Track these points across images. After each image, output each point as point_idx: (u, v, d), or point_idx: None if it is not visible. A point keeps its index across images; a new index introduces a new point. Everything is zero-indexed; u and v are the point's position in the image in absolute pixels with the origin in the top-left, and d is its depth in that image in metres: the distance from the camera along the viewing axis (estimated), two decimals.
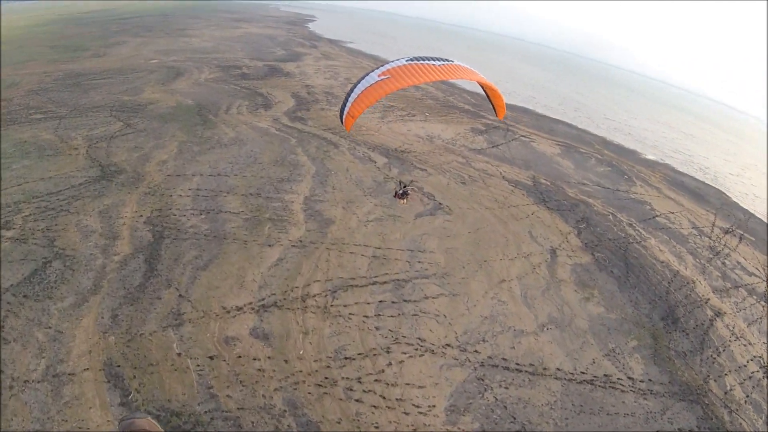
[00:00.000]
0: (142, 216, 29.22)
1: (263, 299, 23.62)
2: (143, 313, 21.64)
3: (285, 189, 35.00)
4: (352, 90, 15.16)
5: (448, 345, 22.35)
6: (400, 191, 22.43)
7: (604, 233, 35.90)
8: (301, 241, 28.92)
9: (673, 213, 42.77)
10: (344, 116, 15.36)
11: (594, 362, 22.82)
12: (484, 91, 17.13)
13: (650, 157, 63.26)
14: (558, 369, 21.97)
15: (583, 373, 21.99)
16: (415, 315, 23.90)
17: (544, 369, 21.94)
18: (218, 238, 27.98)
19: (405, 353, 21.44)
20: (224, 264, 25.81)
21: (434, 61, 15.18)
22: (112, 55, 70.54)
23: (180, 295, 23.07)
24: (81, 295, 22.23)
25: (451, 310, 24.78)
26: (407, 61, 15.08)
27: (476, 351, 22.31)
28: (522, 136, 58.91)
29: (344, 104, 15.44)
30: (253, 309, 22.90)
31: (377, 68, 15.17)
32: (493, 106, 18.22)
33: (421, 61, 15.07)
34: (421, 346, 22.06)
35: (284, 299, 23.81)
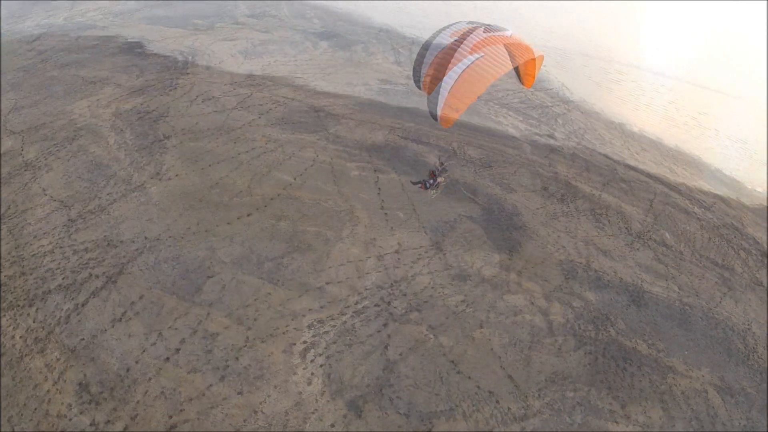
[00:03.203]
0: None
1: None
2: None
3: None
4: (445, 72, 13.25)
5: None
6: (432, 182, 20.45)
7: None
8: None
9: None
10: (440, 109, 13.55)
11: None
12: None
13: None
14: None
15: None
16: None
17: None
18: None
19: None
20: None
21: (503, 31, 14.09)
22: None
23: None
24: None
25: None
26: (485, 32, 13.62)
27: None
28: None
29: (437, 93, 13.48)
30: None
31: (460, 43, 13.44)
32: (521, 74, 17.04)
33: (497, 33, 13.87)
34: None
35: None
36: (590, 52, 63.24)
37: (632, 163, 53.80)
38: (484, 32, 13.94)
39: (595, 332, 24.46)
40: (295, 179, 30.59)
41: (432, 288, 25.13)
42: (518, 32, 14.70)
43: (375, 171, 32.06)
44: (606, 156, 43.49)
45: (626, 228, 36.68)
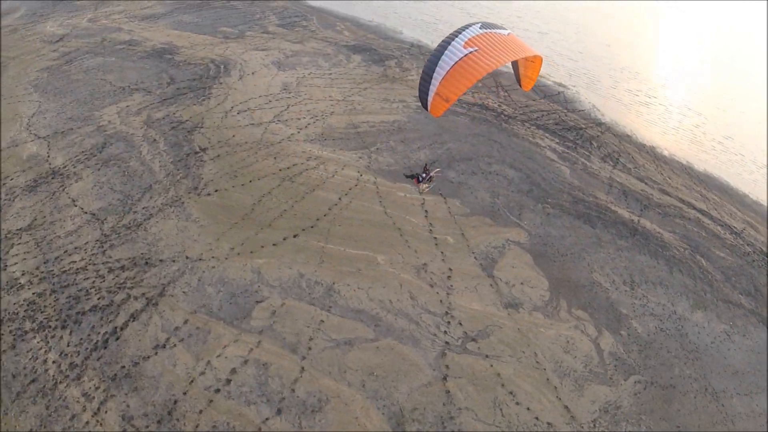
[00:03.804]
0: None
1: None
2: None
3: None
4: (435, 63, 13.94)
5: None
6: (425, 176, 21.09)
7: None
8: None
9: None
10: (431, 97, 14.12)
11: None
12: (518, 60, 16.88)
13: None
14: None
15: None
16: None
17: None
18: None
19: None
20: None
21: (500, 30, 14.61)
22: None
23: None
24: None
25: None
26: (481, 28, 14.20)
27: None
28: None
29: (428, 82, 14.03)
30: None
31: (455, 36, 14.11)
32: (520, 75, 18.04)
33: (493, 30, 14.36)
34: None
35: None
36: (617, 75, 63.30)
37: (666, 188, 53.76)
38: (480, 28, 14.54)
39: (643, 360, 23.95)
40: (340, 199, 29.71)
41: (486, 316, 24.38)
42: (516, 32, 15.69)
43: (421, 193, 31.22)
44: (641, 180, 43.24)
45: (665, 254, 36.09)
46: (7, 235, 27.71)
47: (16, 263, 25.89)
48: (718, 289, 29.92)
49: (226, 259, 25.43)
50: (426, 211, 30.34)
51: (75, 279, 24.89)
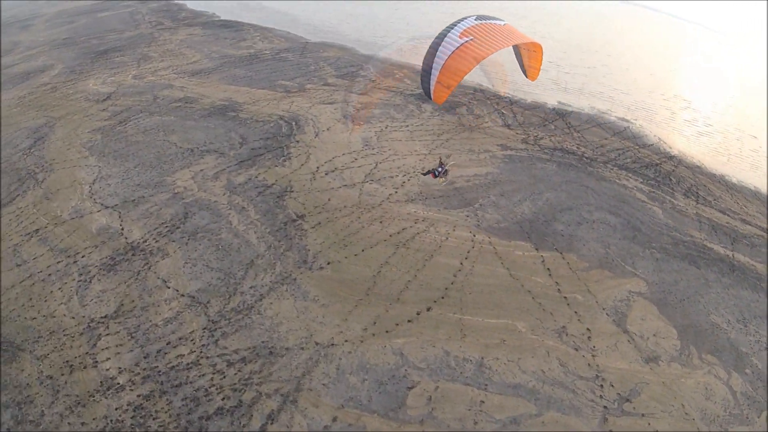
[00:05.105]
0: None
1: None
2: None
3: None
4: (433, 55, 15.84)
5: None
6: (440, 170, 23.53)
7: None
8: None
9: None
10: (432, 86, 16.01)
11: None
12: (520, 51, 19.13)
13: None
14: None
15: None
16: None
17: None
18: None
19: None
20: None
21: (496, 20, 16.32)
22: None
23: None
24: None
25: None
26: (476, 20, 15.92)
27: None
28: None
29: (429, 73, 15.99)
30: None
31: (451, 28, 15.90)
32: (525, 67, 20.01)
33: (488, 21, 16.07)
34: None
35: None
36: (671, 104, 64.38)
37: (745, 217, 53.38)
38: (476, 20, 15.91)
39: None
40: (462, 264, 28.42)
41: (633, 374, 23.41)
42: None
43: (537, 250, 30.18)
44: (723, 213, 43.05)
45: (762, 286, 35.09)
46: (91, 324, 25.71)
47: (108, 358, 23.79)
48: None
49: (362, 342, 23.76)
50: (548, 269, 29.21)
51: (188, 376, 22.92)
